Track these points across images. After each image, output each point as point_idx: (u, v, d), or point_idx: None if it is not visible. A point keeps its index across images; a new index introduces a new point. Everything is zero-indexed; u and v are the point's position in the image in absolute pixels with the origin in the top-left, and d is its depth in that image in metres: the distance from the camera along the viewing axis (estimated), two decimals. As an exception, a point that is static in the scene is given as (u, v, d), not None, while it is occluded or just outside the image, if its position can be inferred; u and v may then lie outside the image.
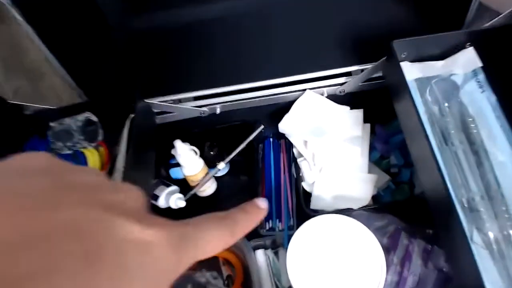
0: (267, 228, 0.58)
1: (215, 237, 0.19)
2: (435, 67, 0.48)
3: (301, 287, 0.43)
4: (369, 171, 0.55)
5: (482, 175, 0.40)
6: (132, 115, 0.49)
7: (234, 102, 0.55)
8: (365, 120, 0.56)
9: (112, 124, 0.51)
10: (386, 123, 0.59)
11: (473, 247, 0.37)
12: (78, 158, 0.48)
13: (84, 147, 0.49)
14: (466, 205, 0.39)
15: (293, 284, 0.44)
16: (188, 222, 0.18)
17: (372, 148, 0.59)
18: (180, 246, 0.17)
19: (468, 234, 0.37)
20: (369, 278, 0.44)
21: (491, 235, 0.37)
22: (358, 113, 0.55)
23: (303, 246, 0.45)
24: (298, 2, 0.53)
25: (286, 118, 0.55)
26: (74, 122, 0.49)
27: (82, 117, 0.50)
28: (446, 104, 0.45)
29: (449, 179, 0.40)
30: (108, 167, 0.49)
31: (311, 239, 0.46)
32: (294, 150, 0.57)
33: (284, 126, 0.55)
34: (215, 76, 0.56)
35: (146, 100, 0.53)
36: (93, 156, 0.48)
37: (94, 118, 0.51)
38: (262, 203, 0.22)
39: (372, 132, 0.58)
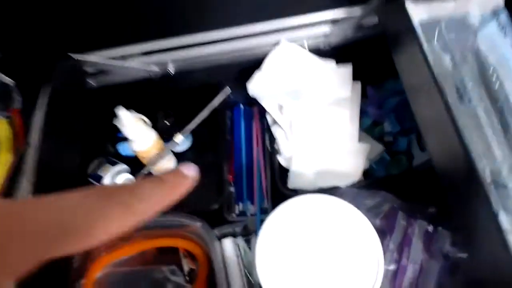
0: (237, 212, 0.48)
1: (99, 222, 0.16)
2: (445, 7, 0.37)
3: (272, 285, 0.34)
4: (360, 140, 0.45)
5: (510, 140, 0.31)
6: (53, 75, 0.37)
7: (192, 59, 0.44)
8: (355, 78, 0.46)
9: (31, 88, 0.39)
10: (379, 83, 0.49)
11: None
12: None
13: (-8, 116, 0.37)
14: (489, 180, 0.30)
15: (262, 282, 0.34)
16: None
17: (362, 113, 0.49)
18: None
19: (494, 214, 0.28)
20: (362, 272, 0.35)
21: (525, 218, 0.29)
22: (346, 70, 0.45)
23: (277, 234, 0.36)
24: None
25: (257, 77, 0.44)
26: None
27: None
28: (460, 53, 0.35)
29: (467, 144, 0.31)
30: (24, 141, 0.37)
31: (287, 225, 0.36)
32: (268, 117, 0.47)
33: (255, 87, 0.44)
34: (167, 25, 0.44)
35: (75, 55, 0.41)
36: (1, 128, 0.36)
37: (7, 79, 0.39)
38: (188, 170, 0.20)
39: (363, 95, 0.48)
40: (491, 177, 0.30)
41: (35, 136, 0.35)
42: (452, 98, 0.33)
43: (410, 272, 0.41)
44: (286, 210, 0.37)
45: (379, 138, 0.48)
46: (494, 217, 0.28)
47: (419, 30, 0.36)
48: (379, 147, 0.46)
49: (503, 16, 0.36)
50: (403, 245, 0.42)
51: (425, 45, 0.36)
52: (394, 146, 0.47)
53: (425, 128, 0.35)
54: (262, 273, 0.35)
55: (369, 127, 0.49)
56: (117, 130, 0.48)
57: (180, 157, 0.52)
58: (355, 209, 0.37)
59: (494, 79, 0.33)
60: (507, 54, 0.34)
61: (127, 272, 0.49)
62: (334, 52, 0.46)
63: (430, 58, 0.35)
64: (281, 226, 0.36)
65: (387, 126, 0.48)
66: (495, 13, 0.36)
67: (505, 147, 0.31)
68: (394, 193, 0.45)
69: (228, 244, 0.46)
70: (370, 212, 0.45)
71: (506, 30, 0.35)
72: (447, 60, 0.35)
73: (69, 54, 0.40)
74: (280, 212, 0.37)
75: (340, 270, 0.35)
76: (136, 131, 0.46)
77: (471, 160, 0.29)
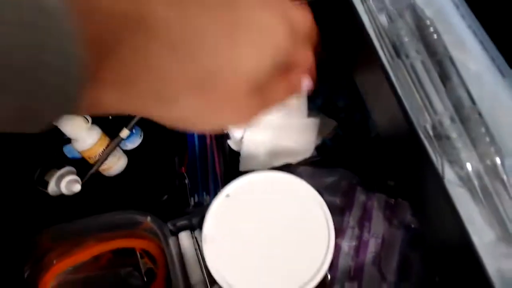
0: (193, 203, 0.45)
1: None
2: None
3: (222, 275, 0.31)
4: (311, 117, 0.43)
5: (450, 92, 0.30)
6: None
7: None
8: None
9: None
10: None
11: (448, 187, 0.26)
12: None
13: None
14: (431, 133, 0.28)
15: (212, 273, 0.32)
16: None
17: (315, 91, 0.47)
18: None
19: (438, 169, 0.26)
20: (313, 248, 0.33)
21: (469, 167, 0.27)
22: None
23: (225, 217, 0.34)
24: None
25: None
26: None
27: None
28: (396, 9, 0.34)
29: (405, 101, 0.29)
30: None
31: (234, 206, 0.34)
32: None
33: None
34: None
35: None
36: None
37: None
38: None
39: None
40: (433, 130, 0.28)
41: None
42: (388, 55, 0.31)
43: (372, 246, 0.39)
44: (233, 191, 0.35)
45: (333, 116, 0.46)
46: (437, 172, 0.26)
47: (352, -9, 0.35)
48: (332, 123, 0.44)
49: (437, -33, 0.34)
50: (363, 220, 0.40)
51: (360, 6, 0.34)
52: (350, 122, 0.45)
53: (365, 93, 0.34)
54: (212, 265, 0.32)
55: (321, 106, 0.47)
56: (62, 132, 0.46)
57: (131, 153, 0.50)
58: (304, 182, 0.35)
59: (431, 31, 0.32)
60: (444, 5, 0.33)
61: (82, 279, 0.46)
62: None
63: (366, 18, 0.34)
64: (228, 208, 0.34)
65: (341, 103, 0.47)
66: (428, -34, 0.34)
67: (446, 98, 0.29)
68: (352, 168, 0.43)
69: (184, 238, 0.43)
70: (328, 190, 0.43)
71: (441, -18, 0.34)
72: (383, 18, 0.34)
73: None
74: (224, 196, 0.35)
75: (291, 247, 0.33)
76: (77, 129, 0.43)
77: (408, 116, 0.27)
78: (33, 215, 0.44)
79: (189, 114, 0.21)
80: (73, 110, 0.16)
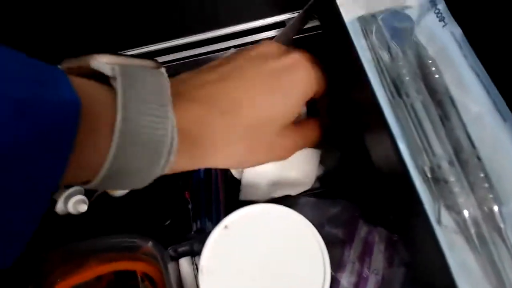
0: (195, 229, 0.46)
1: None
2: (382, 1, 0.36)
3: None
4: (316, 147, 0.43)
5: (450, 133, 0.29)
6: None
7: (170, 64, 0.43)
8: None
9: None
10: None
11: (440, 233, 0.25)
12: None
13: None
14: (429, 175, 0.28)
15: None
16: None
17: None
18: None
19: (432, 214, 0.26)
20: (309, 282, 0.32)
21: (466, 213, 0.26)
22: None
23: (223, 248, 0.34)
24: None
25: None
26: None
27: None
28: (398, 46, 0.34)
29: (403, 141, 0.29)
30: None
31: (232, 240, 0.34)
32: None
33: None
34: (146, 32, 0.43)
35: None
36: None
37: None
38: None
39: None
40: (431, 173, 0.28)
41: None
42: (388, 92, 0.31)
43: (372, 283, 0.38)
44: (231, 222, 0.35)
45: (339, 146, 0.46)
46: (428, 219, 0.25)
47: (356, 26, 0.35)
48: (336, 153, 0.44)
49: (441, 5, 0.34)
50: (364, 255, 0.39)
51: (363, 42, 0.34)
52: (355, 153, 0.45)
53: (364, 129, 0.33)
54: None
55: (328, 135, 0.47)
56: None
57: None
58: (301, 216, 0.34)
59: (433, 70, 0.32)
60: (447, 44, 0.33)
61: (82, 299, 0.46)
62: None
63: (369, 54, 0.34)
64: (226, 239, 0.34)
65: (346, 133, 0.46)
66: (433, 2, 0.34)
67: (445, 140, 0.29)
68: (355, 200, 0.43)
69: (185, 264, 0.44)
70: (330, 222, 0.43)
71: (445, 19, 0.34)
72: (385, 55, 0.34)
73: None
74: (223, 227, 0.35)
75: (287, 281, 0.33)
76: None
77: (400, 156, 0.26)
78: (38, 234, 0.45)
79: (237, 158, 0.31)
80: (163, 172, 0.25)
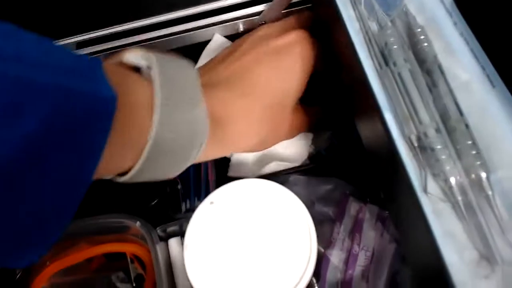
0: (184, 209, 0.45)
1: None
2: (371, -29, 0.35)
3: (202, 284, 0.31)
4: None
5: (437, 101, 0.28)
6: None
7: (119, 50, 0.42)
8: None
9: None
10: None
11: (426, 201, 0.25)
12: None
13: None
14: (415, 144, 0.27)
15: (192, 281, 0.31)
16: None
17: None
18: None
19: (418, 183, 0.25)
20: (295, 259, 0.32)
21: (453, 181, 0.26)
22: None
23: (208, 225, 0.33)
24: None
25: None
26: None
27: None
28: (387, 16, 0.33)
29: (390, 110, 0.28)
30: None
31: (218, 214, 0.33)
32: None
33: None
34: (100, 16, 0.42)
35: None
36: None
37: None
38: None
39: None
40: (417, 141, 0.27)
41: None
42: (375, 62, 0.30)
43: (362, 259, 0.37)
44: (217, 198, 0.35)
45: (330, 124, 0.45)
46: (413, 188, 0.25)
47: (343, -3, 0.34)
48: (326, 132, 0.43)
49: (431, -26, 0.33)
50: (354, 232, 0.39)
51: (351, 12, 0.34)
52: (346, 132, 0.44)
53: (352, 103, 0.33)
54: (192, 272, 0.32)
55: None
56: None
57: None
58: (288, 191, 0.34)
59: (422, 39, 0.31)
60: (436, 12, 0.32)
61: (73, 281, 0.46)
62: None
63: (357, 25, 0.33)
64: (212, 215, 0.34)
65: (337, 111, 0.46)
66: (422, -28, 0.34)
67: (432, 108, 0.28)
68: (346, 178, 0.42)
69: (174, 244, 0.43)
70: (321, 200, 0.42)
71: (434, -12, 0.33)
72: (373, 25, 0.33)
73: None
74: (210, 201, 0.34)
75: (273, 257, 0.32)
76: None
77: (387, 128, 0.26)
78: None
79: (260, 138, 0.33)
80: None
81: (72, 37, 0.42)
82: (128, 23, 0.42)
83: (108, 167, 0.22)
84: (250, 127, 0.31)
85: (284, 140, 0.37)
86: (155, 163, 0.23)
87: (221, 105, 0.28)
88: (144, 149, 0.22)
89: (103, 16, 0.43)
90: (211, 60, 0.35)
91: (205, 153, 0.27)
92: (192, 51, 0.43)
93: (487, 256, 0.24)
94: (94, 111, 0.18)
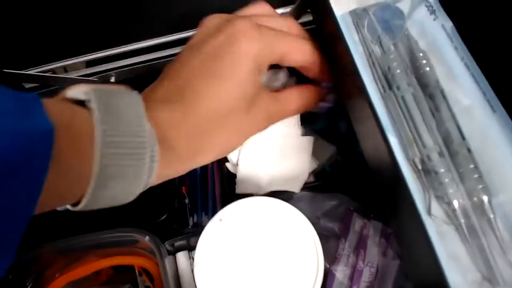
0: (191, 224, 0.46)
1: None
2: (374, -5, 0.36)
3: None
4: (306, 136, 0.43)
5: (440, 125, 0.29)
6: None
7: (133, 67, 0.44)
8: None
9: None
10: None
11: (430, 224, 0.26)
12: None
13: None
14: (419, 167, 0.28)
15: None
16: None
17: (316, 115, 0.47)
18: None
19: (422, 206, 0.26)
20: (303, 275, 0.33)
21: (456, 203, 0.26)
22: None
23: (217, 244, 0.34)
24: None
25: None
26: None
27: None
28: (390, 39, 0.34)
29: (394, 134, 0.29)
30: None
31: (227, 233, 0.34)
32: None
33: None
34: (108, 37, 0.44)
35: (14, 71, 0.41)
36: None
37: None
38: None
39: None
40: (421, 164, 0.28)
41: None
42: (379, 86, 0.31)
43: (366, 275, 0.38)
44: (226, 215, 0.35)
45: (335, 142, 0.46)
46: (417, 210, 0.26)
47: (348, 20, 0.35)
48: (331, 148, 0.44)
49: (432, -1, 0.34)
50: (359, 248, 0.40)
51: (355, 35, 0.35)
52: (350, 149, 0.45)
53: (355, 124, 0.34)
54: (201, 282, 0.33)
55: (324, 129, 0.47)
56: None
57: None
58: (295, 209, 0.35)
59: (424, 63, 0.32)
60: (438, 37, 0.33)
61: (83, 293, 0.47)
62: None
63: (360, 48, 0.34)
64: (221, 232, 0.35)
65: (343, 127, 0.47)
66: (424, -3, 0.35)
67: (435, 132, 0.29)
68: (350, 194, 0.43)
69: (182, 258, 0.44)
70: (326, 216, 0.43)
71: (436, 13, 0.34)
72: (376, 49, 0.34)
73: (5, 70, 0.39)
74: (219, 218, 0.35)
75: (281, 273, 0.33)
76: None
77: (391, 152, 0.27)
78: (36, 228, 0.46)
79: (215, 152, 0.31)
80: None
81: (82, 56, 0.43)
82: (134, 43, 0.43)
83: (55, 198, 0.22)
84: (200, 143, 0.29)
85: (250, 137, 0.33)
86: (104, 191, 0.23)
87: (168, 127, 0.27)
88: (90, 179, 0.22)
89: (110, 37, 0.44)
90: (164, 71, 0.32)
91: (161, 175, 0.27)
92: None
93: (489, 277, 0.25)
94: (31, 146, 0.18)
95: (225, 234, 0.34)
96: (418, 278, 0.29)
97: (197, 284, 0.33)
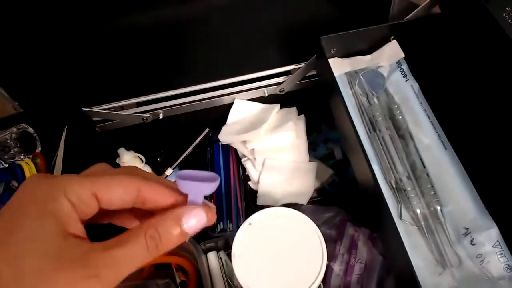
0: (218, 230, 0.57)
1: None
2: (363, 61, 0.50)
3: (245, 282, 0.43)
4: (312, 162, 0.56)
5: (408, 157, 0.42)
6: (68, 125, 0.49)
7: (177, 106, 0.56)
8: (314, 120, 0.58)
9: (49, 134, 0.51)
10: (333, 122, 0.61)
11: (401, 225, 0.38)
12: (14, 171, 0.47)
13: (21, 159, 0.48)
14: (394, 186, 0.41)
15: (240, 281, 0.44)
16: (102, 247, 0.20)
17: (318, 145, 0.61)
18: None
19: (395, 213, 0.39)
20: (311, 266, 0.44)
21: (418, 211, 0.39)
22: (291, 110, 0.57)
23: (247, 242, 0.46)
24: (232, 6, 0.55)
25: (224, 129, 0.57)
26: (9, 134, 0.48)
27: (17, 129, 0.49)
28: (374, 94, 0.47)
29: (377, 163, 0.42)
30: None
31: (254, 234, 0.46)
32: (238, 152, 0.58)
33: (224, 137, 0.56)
34: (157, 82, 0.56)
35: (85, 109, 0.53)
36: (29, 168, 0.47)
37: (30, 129, 0.50)
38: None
39: (319, 132, 0.61)
40: (395, 184, 0.41)
41: (57, 173, 0.46)
42: (367, 128, 0.44)
43: (357, 269, 0.50)
44: (254, 220, 0.47)
45: (332, 166, 0.59)
46: (391, 215, 0.38)
47: (344, 79, 0.48)
48: (329, 171, 0.57)
49: (405, 66, 0.48)
50: (351, 249, 0.51)
51: (349, 90, 0.48)
52: (345, 171, 0.58)
53: (349, 155, 0.46)
54: (240, 274, 0.44)
55: (324, 157, 0.60)
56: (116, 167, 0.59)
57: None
58: (306, 217, 0.47)
59: (397, 113, 0.45)
60: (408, 94, 0.46)
61: (127, 286, 0.57)
62: (291, 99, 0.58)
63: (353, 100, 0.47)
64: (250, 233, 0.46)
65: (337, 154, 0.59)
66: (399, 64, 0.48)
67: (405, 162, 0.42)
68: (345, 207, 0.55)
69: (212, 257, 0.55)
70: (325, 224, 0.55)
71: (407, 76, 0.47)
72: (364, 100, 0.47)
73: (82, 108, 0.51)
74: (249, 222, 0.47)
75: (294, 264, 0.44)
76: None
77: (373, 173, 0.39)
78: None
79: None
80: None
81: (135, 98, 0.56)
82: (176, 89, 0.56)
83: None
84: None
85: None
86: None
87: None
88: None
89: (156, 83, 0.57)
90: None
91: None
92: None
93: (441, 262, 0.38)
94: None
95: (253, 234, 0.46)
96: (394, 264, 0.41)
97: (235, 271, 0.44)
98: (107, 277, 0.20)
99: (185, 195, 0.23)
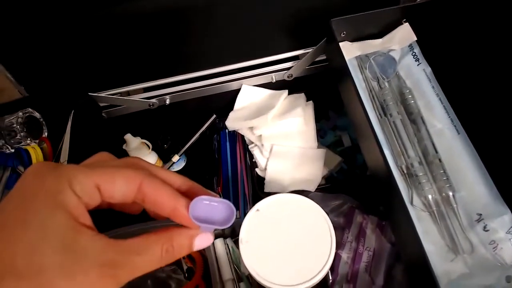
0: (225, 217, 0.57)
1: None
2: (374, 45, 0.49)
3: (253, 267, 0.43)
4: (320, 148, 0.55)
5: (420, 142, 0.41)
6: (74, 110, 0.49)
7: (183, 92, 0.55)
8: (322, 107, 0.57)
9: (56, 119, 0.50)
10: (342, 108, 0.60)
11: (412, 211, 0.37)
12: (21, 155, 0.47)
13: (27, 144, 0.48)
14: (405, 171, 0.40)
15: (247, 267, 0.43)
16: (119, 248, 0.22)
17: (326, 132, 0.60)
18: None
19: (407, 198, 0.38)
20: (319, 254, 0.44)
21: (430, 197, 0.38)
22: (299, 96, 0.56)
23: (255, 228, 0.45)
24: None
25: (231, 115, 0.56)
26: (15, 119, 0.48)
27: (23, 113, 0.48)
28: (385, 79, 0.46)
29: (388, 148, 0.41)
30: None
31: (262, 220, 0.46)
32: (246, 139, 0.58)
33: (231, 123, 0.56)
34: (163, 67, 0.55)
35: (92, 94, 0.52)
36: (35, 153, 0.47)
37: (36, 114, 0.50)
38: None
39: (327, 119, 0.60)
40: (406, 169, 0.40)
41: (63, 158, 0.46)
42: (378, 113, 0.43)
43: (365, 257, 0.49)
44: (262, 206, 0.47)
45: (341, 153, 0.58)
46: (403, 201, 0.37)
47: (354, 63, 0.47)
48: (337, 158, 0.56)
49: (417, 49, 0.47)
50: (359, 236, 0.51)
51: (360, 75, 0.47)
52: (353, 160, 0.57)
53: (359, 140, 0.46)
54: (248, 261, 0.43)
55: (333, 144, 0.59)
56: (123, 153, 0.59)
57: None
58: (314, 203, 0.46)
59: (409, 97, 0.44)
60: (420, 78, 0.45)
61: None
62: (298, 84, 0.57)
63: (363, 84, 0.46)
64: (258, 219, 0.46)
65: (345, 141, 0.59)
66: (411, 47, 0.47)
67: (416, 147, 0.41)
68: (353, 195, 0.54)
69: (219, 244, 0.55)
70: (333, 212, 0.54)
71: (419, 60, 0.46)
72: (375, 85, 0.46)
73: (89, 93, 0.51)
74: (257, 208, 0.47)
75: (303, 251, 0.44)
76: (141, 153, 0.56)
77: (385, 159, 0.38)
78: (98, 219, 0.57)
79: None
80: None
81: (141, 83, 0.55)
82: (183, 74, 0.55)
83: None
84: None
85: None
86: None
87: None
88: None
89: (162, 68, 0.56)
90: None
91: None
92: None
93: (453, 248, 0.37)
94: None
95: (261, 220, 0.45)
96: (405, 250, 0.40)
97: (242, 257, 0.43)
98: (123, 277, 0.21)
99: (187, 199, 0.23)
